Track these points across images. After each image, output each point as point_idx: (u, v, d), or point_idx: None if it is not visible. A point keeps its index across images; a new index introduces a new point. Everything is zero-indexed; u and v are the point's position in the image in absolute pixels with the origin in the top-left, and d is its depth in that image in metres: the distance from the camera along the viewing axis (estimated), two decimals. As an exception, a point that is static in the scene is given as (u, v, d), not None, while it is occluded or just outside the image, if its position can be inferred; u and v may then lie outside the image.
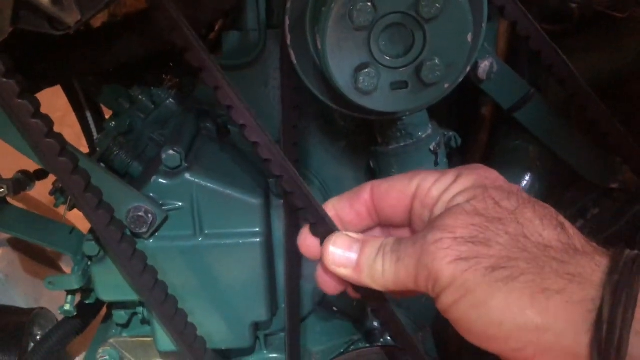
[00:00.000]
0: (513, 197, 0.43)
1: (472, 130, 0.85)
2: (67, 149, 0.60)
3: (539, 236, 0.40)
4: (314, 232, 0.53)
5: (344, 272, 0.48)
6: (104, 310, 0.95)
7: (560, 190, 0.85)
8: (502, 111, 0.78)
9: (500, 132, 0.84)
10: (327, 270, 0.50)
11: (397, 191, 0.50)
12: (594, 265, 0.38)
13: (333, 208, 0.54)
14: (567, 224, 0.42)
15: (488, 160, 0.85)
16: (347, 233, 0.50)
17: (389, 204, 0.51)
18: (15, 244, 1.29)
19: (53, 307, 1.12)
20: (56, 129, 0.60)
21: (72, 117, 1.05)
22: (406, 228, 0.52)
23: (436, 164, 0.75)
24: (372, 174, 0.83)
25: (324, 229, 0.52)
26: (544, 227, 0.41)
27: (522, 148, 0.82)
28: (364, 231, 0.54)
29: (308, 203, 0.54)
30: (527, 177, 0.83)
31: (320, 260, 0.51)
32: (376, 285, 0.47)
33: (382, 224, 0.54)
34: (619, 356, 0.35)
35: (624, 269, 0.37)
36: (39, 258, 1.34)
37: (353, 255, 0.48)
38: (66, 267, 1.36)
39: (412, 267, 0.43)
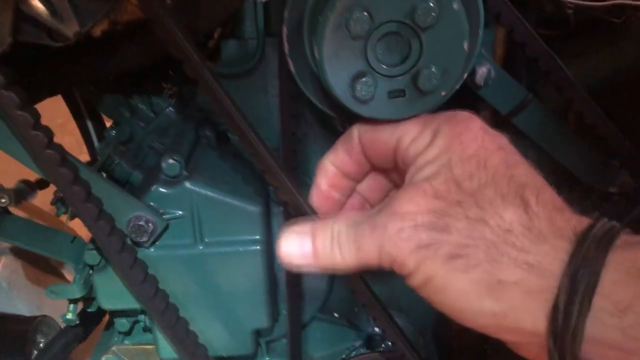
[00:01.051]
0: (476, 175, 0.42)
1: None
2: (67, 159, 0.61)
3: (500, 218, 0.40)
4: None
5: (306, 267, 0.48)
6: (106, 317, 0.96)
7: (560, 194, 0.85)
8: (500, 117, 0.78)
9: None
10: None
11: (381, 142, 0.50)
12: (554, 252, 0.38)
13: (331, 165, 0.54)
14: (532, 200, 0.40)
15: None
16: (295, 227, 0.49)
17: (375, 152, 0.51)
18: (18, 252, 1.29)
19: (56, 314, 1.13)
20: (57, 136, 0.61)
21: (73, 125, 1.06)
22: (395, 172, 0.53)
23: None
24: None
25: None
26: (505, 207, 0.40)
27: (521, 153, 0.82)
28: (366, 176, 0.54)
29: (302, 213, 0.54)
30: (526, 182, 0.83)
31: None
32: (340, 271, 0.47)
33: (374, 168, 0.54)
34: (574, 345, 0.36)
35: (586, 253, 0.37)
36: (42, 266, 1.35)
37: (307, 249, 0.47)
38: (69, 275, 1.36)
39: (374, 253, 0.43)
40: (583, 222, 0.40)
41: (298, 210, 0.55)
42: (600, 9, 0.68)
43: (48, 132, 0.59)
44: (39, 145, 0.58)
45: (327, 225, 0.47)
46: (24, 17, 0.58)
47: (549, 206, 0.41)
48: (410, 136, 0.47)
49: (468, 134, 0.45)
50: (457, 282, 0.39)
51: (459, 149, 0.44)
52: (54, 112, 0.90)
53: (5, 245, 1.29)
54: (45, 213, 1.42)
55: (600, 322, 0.36)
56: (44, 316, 1.18)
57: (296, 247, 0.47)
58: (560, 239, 0.38)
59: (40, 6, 0.57)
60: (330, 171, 0.53)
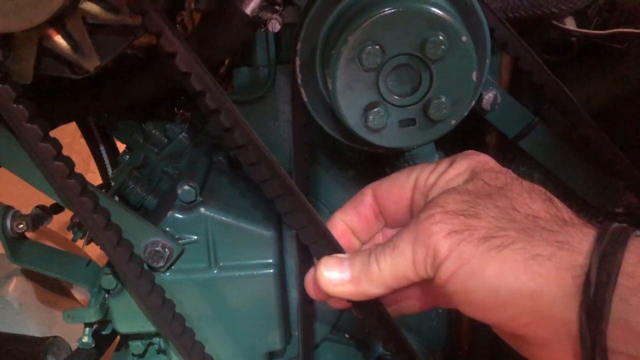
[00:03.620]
0: (502, 176, 0.45)
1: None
2: (88, 188, 0.63)
3: (528, 208, 0.42)
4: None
5: (344, 289, 0.48)
6: (117, 337, 0.97)
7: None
8: (507, 139, 0.80)
9: (506, 159, 0.86)
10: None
11: (398, 187, 0.51)
12: (582, 235, 0.40)
13: (341, 221, 0.55)
14: (556, 200, 0.44)
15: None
16: (335, 254, 0.50)
17: (391, 201, 0.52)
18: (29, 273, 1.31)
19: (67, 335, 1.14)
20: (64, 154, 0.62)
21: (80, 143, 1.07)
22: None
23: (444, 192, 0.77)
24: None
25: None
26: (532, 200, 0.43)
27: (527, 175, 0.84)
28: (374, 236, 0.56)
29: (317, 238, 0.55)
30: (533, 203, 0.84)
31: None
32: (377, 287, 0.47)
33: (388, 224, 0.55)
34: (602, 316, 0.37)
35: (611, 239, 0.39)
36: (53, 287, 1.36)
37: (346, 271, 0.48)
38: (78, 295, 1.37)
39: (409, 251, 0.44)
40: (598, 223, 0.43)
41: (312, 235, 0.56)
42: (603, 37, 0.70)
43: (69, 163, 0.61)
44: (61, 175, 0.60)
45: (365, 250, 0.49)
46: (47, 52, 0.60)
47: (567, 207, 0.44)
48: (428, 170, 0.49)
49: (482, 158, 0.49)
50: (494, 261, 0.40)
51: (480, 165, 0.48)
52: (62, 130, 0.92)
53: (17, 266, 1.30)
54: (54, 233, 1.43)
55: (623, 300, 0.38)
56: (55, 337, 1.19)
57: (335, 270, 0.48)
58: (584, 227, 0.41)
59: (63, 42, 0.59)
60: (340, 227, 0.54)
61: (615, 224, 0.41)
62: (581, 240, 0.40)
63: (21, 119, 0.58)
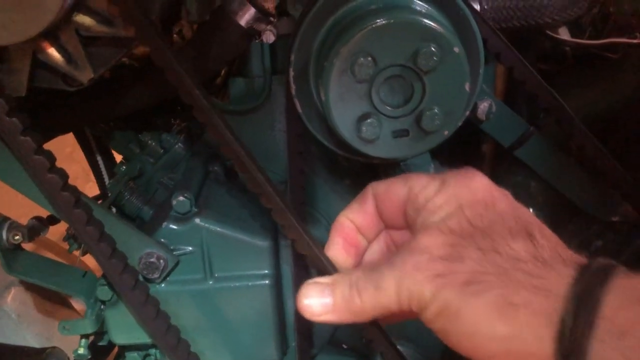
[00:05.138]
0: (486, 215, 0.45)
1: (473, 167, 0.87)
2: (82, 200, 0.63)
3: (509, 248, 0.43)
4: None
5: (325, 318, 0.49)
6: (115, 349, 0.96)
7: (563, 224, 0.86)
8: (503, 148, 0.80)
9: (501, 169, 0.86)
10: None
11: (394, 194, 0.52)
12: (560, 278, 0.40)
13: (347, 220, 0.55)
14: (538, 235, 0.44)
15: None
16: (316, 280, 0.50)
17: (387, 206, 0.53)
18: (28, 284, 1.30)
19: (65, 346, 1.13)
20: (64, 164, 0.62)
21: (80, 154, 1.08)
22: (405, 230, 0.53)
23: (439, 202, 0.77)
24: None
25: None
26: (514, 239, 0.43)
27: (524, 184, 0.84)
28: (377, 235, 0.55)
29: (310, 250, 0.55)
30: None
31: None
32: (359, 317, 0.48)
33: (387, 226, 0.55)
34: None
35: (590, 279, 0.39)
36: (51, 297, 1.36)
37: (328, 299, 0.48)
38: (77, 305, 1.37)
39: (392, 290, 0.45)
40: (582, 257, 0.43)
41: (304, 248, 0.56)
42: (596, 46, 0.70)
43: (63, 175, 0.61)
44: (55, 187, 0.60)
45: (345, 275, 0.49)
46: (40, 64, 0.60)
47: (553, 240, 0.44)
48: (421, 184, 0.49)
49: (475, 184, 0.48)
50: (471, 306, 0.41)
51: (468, 195, 0.47)
52: (62, 140, 0.92)
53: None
54: (53, 243, 1.43)
55: (603, 343, 0.37)
56: (54, 348, 1.19)
57: (316, 299, 0.49)
58: (564, 267, 0.41)
59: (56, 55, 0.59)
60: (347, 226, 0.54)
61: (600, 261, 0.41)
62: (559, 283, 0.40)
63: (15, 132, 0.58)
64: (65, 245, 1.44)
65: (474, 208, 0.46)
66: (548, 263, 0.42)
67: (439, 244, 0.44)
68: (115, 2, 0.55)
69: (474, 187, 0.47)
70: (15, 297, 1.32)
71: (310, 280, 0.50)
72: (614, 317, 0.38)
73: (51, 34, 0.58)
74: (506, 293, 0.41)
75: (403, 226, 0.53)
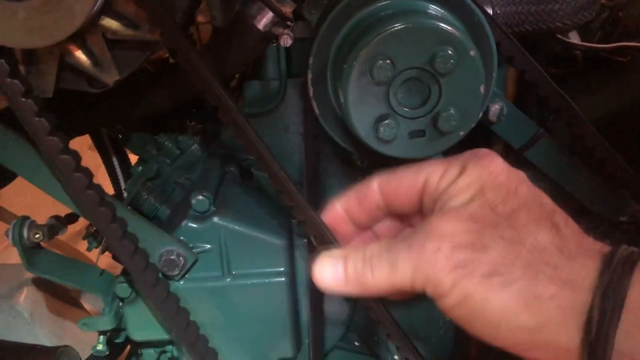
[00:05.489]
0: (509, 200, 0.44)
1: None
2: (106, 199, 0.64)
3: (534, 239, 0.42)
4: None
5: (339, 289, 0.49)
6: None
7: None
8: (513, 149, 0.82)
9: (512, 170, 0.88)
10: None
11: (406, 186, 0.51)
12: (585, 270, 0.41)
13: (341, 209, 0.55)
14: (562, 224, 0.43)
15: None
16: (330, 252, 0.50)
17: (398, 198, 0.52)
18: (40, 283, 1.32)
19: (77, 345, 1.15)
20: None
21: (87, 154, 1.09)
22: (416, 215, 0.53)
23: (451, 202, 0.79)
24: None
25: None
26: (539, 229, 0.43)
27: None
28: (374, 224, 0.55)
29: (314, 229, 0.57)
30: (538, 213, 0.86)
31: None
32: (369, 292, 0.48)
33: (392, 214, 0.55)
34: (605, 355, 0.38)
35: (614, 271, 0.39)
36: (62, 296, 1.38)
37: (340, 273, 0.48)
38: (87, 305, 1.39)
39: (408, 273, 0.44)
40: (605, 246, 0.43)
41: (323, 242, 0.58)
42: (606, 50, 0.71)
43: (88, 174, 0.63)
44: (81, 186, 0.62)
45: (359, 248, 0.49)
46: (67, 66, 0.62)
47: (575, 229, 0.44)
48: (438, 173, 0.49)
49: (495, 166, 0.47)
50: (495, 299, 0.41)
51: (489, 178, 0.46)
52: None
53: (28, 276, 1.32)
54: (62, 242, 1.45)
55: (629, 335, 0.39)
56: (65, 346, 1.20)
57: (329, 270, 0.49)
58: (589, 258, 0.42)
59: (83, 57, 0.61)
60: (339, 214, 0.55)
61: (623, 250, 0.41)
62: (584, 275, 0.40)
63: (43, 132, 0.60)
64: (75, 243, 1.46)
65: (497, 192, 0.45)
66: (572, 254, 0.42)
67: (461, 231, 0.43)
68: (142, 6, 0.57)
69: (494, 169, 0.46)
70: (28, 297, 1.33)
71: (324, 252, 0.50)
72: (638, 307, 0.39)
73: (78, 37, 0.59)
74: (531, 285, 0.41)
75: (413, 213, 0.52)
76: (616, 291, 0.39)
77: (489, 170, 0.46)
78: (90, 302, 1.39)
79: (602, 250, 0.42)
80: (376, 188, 0.53)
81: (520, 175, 0.47)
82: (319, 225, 0.55)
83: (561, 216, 0.44)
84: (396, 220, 0.55)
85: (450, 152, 0.79)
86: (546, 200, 0.46)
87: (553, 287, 0.41)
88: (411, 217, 0.54)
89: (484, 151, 0.49)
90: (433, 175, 0.49)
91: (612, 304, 0.38)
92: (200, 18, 0.91)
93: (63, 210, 0.77)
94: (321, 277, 0.50)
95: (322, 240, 0.55)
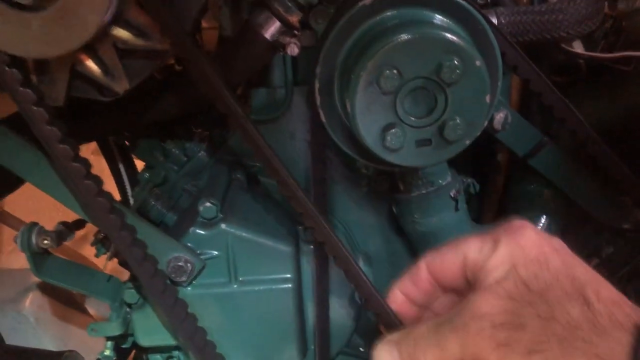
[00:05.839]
0: (541, 276, 0.46)
1: (489, 176, 0.89)
2: (115, 206, 0.65)
3: (568, 316, 0.44)
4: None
5: None
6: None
7: (575, 231, 0.89)
8: (517, 157, 0.82)
9: (516, 177, 0.89)
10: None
11: (450, 264, 0.54)
12: (618, 345, 0.42)
13: (401, 294, 0.58)
14: (593, 298, 0.45)
15: (504, 204, 0.90)
16: (387, 337, 0.52)
17: (445, 276, 0.55)
18: (45, 289, 1.33)
19: (81, 350, 1.15)
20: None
21: (91, 161, 1.10)
22: (468, 289, 0.55)
23: (456, 209, 0.79)
24: (395, 219, 0.87)
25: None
26: (571, 304, 0.44)
27: (537, 192, 0.86)
28: (434, 302, 0.58)
29: (338, 252, 0.58)
30: (542, 220, 0.87)
31: None
32: None
33: (445, 290, 0.57)
34: None
35: None
36: (67, 302, 1.38)
37: (397, 358, 0.50)
38: (91, 310, 1.39)
39: (457, 353, 0.47)
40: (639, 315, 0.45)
41: (333, 251, 0.59)
42: (609, 59, 0.72)
43: (98, 181, 0.64)
44: (91, 193, 0.62)
45: (410, 332, 0.51)
46: (78, 75, 0.63)
47: (609, 302, 0.45)
48: (475, 250, 0.51)
49: (526, 240, 0.49)
50: None
51: (521, 254, 0.48)
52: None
53: (33, 281, 1.33)
54: (67, 247, 1.46)
55: None
56: (71, 351, 1.21)
57: (387, 357, 0.51)
58: (622, 332, 0.43)
59: (94, 67, 0.62)
60: (400, 299, 0.57)
61: None
62: (618, 351, 0.42)
63: (54, 140, 0.61)
64: (80, 249, 1.47)
65: (528, 267, 0.47)
66: (606, 329, 0.43)
67: (499, 311, 0.45)
68: (153, 16, 0.58)
69: (526, 243, 0.49)
70: (33, 302, 1.34)
71: (383, 339, 0.52)
72: None
73: (90, 47, 0.60)
74: None
75: (464, 287, 0.54)
76: None
77: (521, 244, 0.48)
78: (94, 307, 1.40)
79: (636, 320, 0.43)
80: (425, 270, 0.56)
81: (553, 245, 0.49)
82: (383, 306, 0.57)
83: (593, 288, 0.46)
84: (453, 294, 0.57)
85: (454, 160, 0.81)
86: (578, 270, 0.47)
87: None
88: (464, 290, 0.55)
89: (517, 223, 0.51)
90: (470, 252, 0.52)
91: None
92: (204, 24, 0.92)
93: (66, 213, 0.78)
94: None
95: (388, 322, 0.57)
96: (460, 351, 0.46)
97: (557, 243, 0.49)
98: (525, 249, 0.48)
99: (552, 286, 0.46)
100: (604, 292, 0.46)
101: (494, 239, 0.50)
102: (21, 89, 0.57)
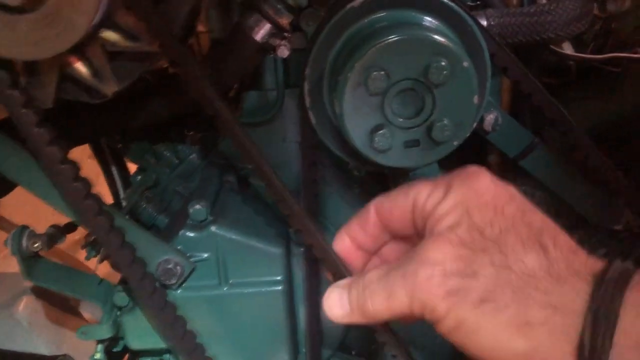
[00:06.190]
0: (496, 222, 0.44)
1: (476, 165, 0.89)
2: (104, 208, 0.65)
3: (522, 264, 0.42)
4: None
5: (345, 320, 0.50)
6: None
7: (567, 232, 0.89)
8: (508, 159, 0.82)
9: (507, 178, 0.88)
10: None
11: (399, 207, 0.51)
12: (575, 293, 0.41)
13: (348, 237, 0.56)
14: (550, 245, 0.43)
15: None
16: (337, 283, 0.52)
17: (394, 220, 0.52)
18: (39, 292, 1.32)
19: (75, 354, 1.15)
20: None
21: (86, 163, 1.10)
22: (416, 236, 0.53)
23: (447, 211, 0.79)
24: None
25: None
26: (526, 252, 0.42)
27: (529, 193, 0.86)
28: (381, 248, 0.56)
29: (326, 255, 0.57)
30: (534, 221, 0.87)
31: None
32: (372, 321, 0.49)
33: (394, 237, 0.55)
34: None
35: (604, 293, 0.39)
36: (61, 305, 1.38)
37: (345, 305, 0.50)
38: (86, 314, 1.39)
39: (405, 300, 0.45)
40: (598, 263, 0.43)
41: (320, 252, 0.58)
42: (599, 61, 0.72)
43: (87, 184, 0.63)
44: (79, 196, 0.62)
45: (359, 279, 0.50)
46: (67, 78, 0.63)
47: (565, 250, 0.43)
48: (425, 194, 0.49)
49: (480, 185, 0.47)
50: (488, 324, 0.42)
51: (474, 198, 0.46)
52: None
53: (27, 285, 1.32)
54: (60, 251, 1.46)
55: (621, 357, 0.39)
56: (65, 355, 1.20)
57: (336, 301, 0.50)
58: (579, 281, 0.41)
59: (83, 69, 0.62)
60: (346, 243, 0.56)
61: (614, 268, 0.41)
62: (575, 299, 0.40)
63: (42, 142, 0.61)
64: (74, 252, 1.46)
65: (483, 213, 0.45)
66: (562, 277, 0.41)
67: (451, 258, 0.44)
68: (142, 18, 0.58)
69: (480, 188, 0.46)
70: (27, 306, 1.34)
71: (333, 284, 0.52)
72: (631, 329, 0.39)
73: (78, 49, 0.60)
74: (522, 312, 0.41)
75: (412, 234, 0.52)
76: (607, 314, 0.39)
77: (474, 189, 0.46)
78: (89, 311, 1.39)
79: (593, 269, 0.42)
80: (374, 213, 0.54)
81: (508, 191, 0.47)
82: (328, 253, 0.56)
83: (549, 235, 0.44)
84: (401, 242, 0.56)
85: (445, 161, 0.81)
86: (535, 217, 0.45)
87: (544, 312, 0.41)
88: (412, 237, 0.54)
89: (472, 169, 0.49)
90: (420, 196, 0.49)
91: (603, 329, 0.39)
92: (200, 27, 0.92)
93: (63, 220, 0.78)
94: (329, 308, 0.51)
95: (334, 269, 0.55)
96: (408, 299, 0.45)
97: (513, 190, 0.47)
98: (479, 194, 0.46)
99: (507, 232, 0.44)
100: (561, 239, 0.44)
101: (446, 183, 0.48)
102: (9, 91, 0.57)
